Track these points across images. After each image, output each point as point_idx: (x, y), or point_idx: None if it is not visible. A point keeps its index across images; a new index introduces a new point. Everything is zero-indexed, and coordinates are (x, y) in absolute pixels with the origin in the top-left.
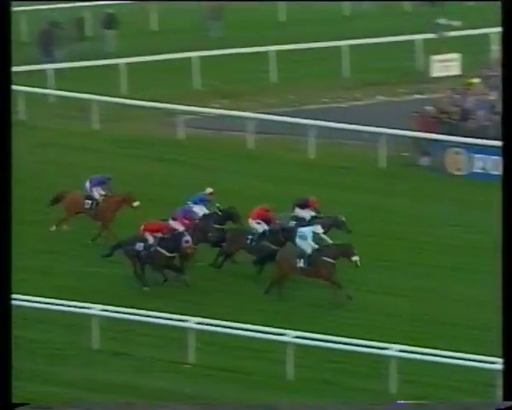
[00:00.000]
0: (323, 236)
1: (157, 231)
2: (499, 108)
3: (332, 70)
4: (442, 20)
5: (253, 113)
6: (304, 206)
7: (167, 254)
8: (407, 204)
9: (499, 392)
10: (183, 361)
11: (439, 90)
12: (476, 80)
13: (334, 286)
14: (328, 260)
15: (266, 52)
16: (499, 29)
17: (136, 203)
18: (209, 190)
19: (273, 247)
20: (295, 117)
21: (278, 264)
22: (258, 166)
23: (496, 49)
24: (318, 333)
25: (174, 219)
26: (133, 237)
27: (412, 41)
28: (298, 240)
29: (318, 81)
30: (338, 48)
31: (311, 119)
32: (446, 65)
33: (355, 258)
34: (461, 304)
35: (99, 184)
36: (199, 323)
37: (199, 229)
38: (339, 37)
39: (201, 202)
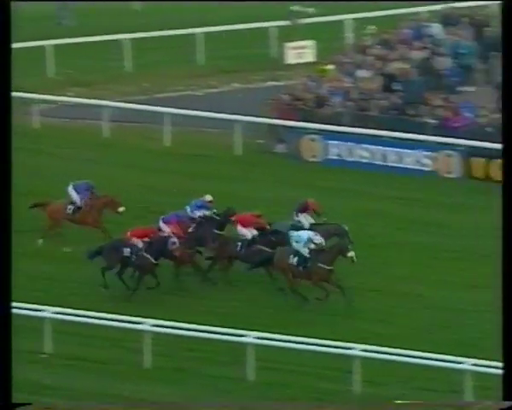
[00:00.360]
0: (321, 240)
1: (144, 236)
2: (354, 94)
3: (187, 58)
4: (296, 7)
5: (109, 101)
6: (303, 209)
7: (153, 260)
8: (263, 191)
9: (357, 377)
10: (40, 351)
11: (293, 77)
12: (330, 67)
13: (334, 288)
14: (324, 266)
15: (120, 40)
16: (353, 16)
17: (121, 209)
18: (208, 197)
19: (266, 250)
20: (151, 105)
21: (275, 267)
22: (113, 154)
23: (349, 36)
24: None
25: (165, 222)
26: (117, 242)
27: (266, 28)
28: (294, 243)
29: (173, 69)
30: (193, 35)
31: (167, 107)
32: (300, 52)
33: (350, 254)
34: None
35: (83, 190)
36: (56, 313)
37: (195, 237)
38: (193, 24)
39: (200, 209)
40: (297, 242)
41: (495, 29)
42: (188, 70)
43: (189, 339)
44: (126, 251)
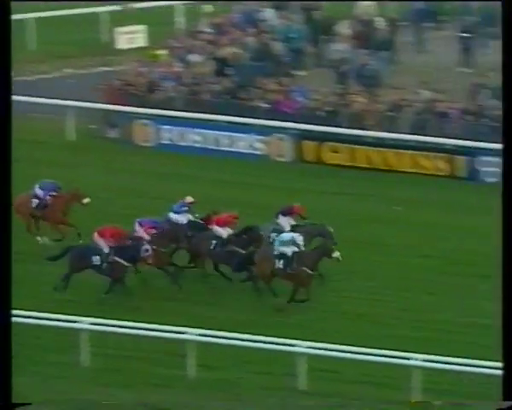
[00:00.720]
0: (301, 245)
1: (113, 236)
2: (186, 78)
3: (18, 44)
4: None
5: None
6: (287, 213)
7: (125, 264)
8: (96, 176)
9: (191, 362)
10: None
11: (125, 63)
12: (162, 52)
13: (304, 292)
14: (308, 271)
15: None
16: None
17: (85, 200)
18: (189, 198)
19: (241, 251)
20: None
21: (256, 266)
22: None
23: (180, 21)
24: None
25: (141, 224)
26: (87, 248)
27: (97, 13)
28: (278, 245)
29: None
30: (23, 21)
31: None
32: (131, 37)
33: (335, 254)
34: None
35: (49, 190)
36: None
37: (168, 237)
38: (23, 10)
39: (183, 210)
40: (281, 244)
41: (324, 12)
42: (19, 56)
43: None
44: (96, 259)
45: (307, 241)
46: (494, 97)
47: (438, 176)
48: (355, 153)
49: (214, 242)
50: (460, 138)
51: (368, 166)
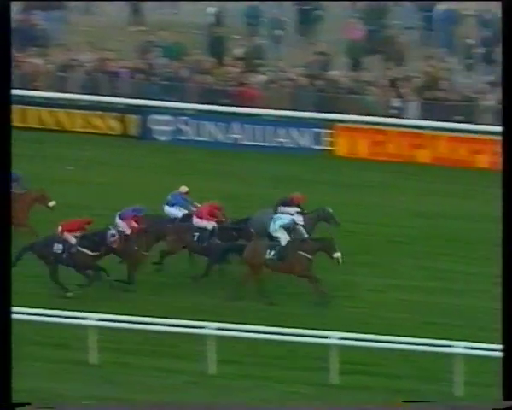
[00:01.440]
0: (301, 228)
1: (78, 229)
2: None
3: None
4: None
5: None
6: (287, 204)
7: (90, 253)
8: None
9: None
10: None
11: None
12: None
13: (311, 281)
14: (304, 254)
15: None
16: None
17: (51, 203)
18: (184, 188)
19: (224, 244)
20: None
21: (246, 261)
22: None
23: None
24: None
25: (122, 218)
26: (49, 238)
27: None
28: (273, 227)
29: None
30: None
31: None
32: None
33: (336, 255)
34: None
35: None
36: None
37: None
38: None
39: (178, 203)
40: (277, 223)
41: None
42: None
43: None
44: (58, 248)
45: (311, 228)
46: (164, 55)
47: (110, 135)
48: (27, 114)
49: (198, 234)
50: (131, 97)
51: (40, 126)
